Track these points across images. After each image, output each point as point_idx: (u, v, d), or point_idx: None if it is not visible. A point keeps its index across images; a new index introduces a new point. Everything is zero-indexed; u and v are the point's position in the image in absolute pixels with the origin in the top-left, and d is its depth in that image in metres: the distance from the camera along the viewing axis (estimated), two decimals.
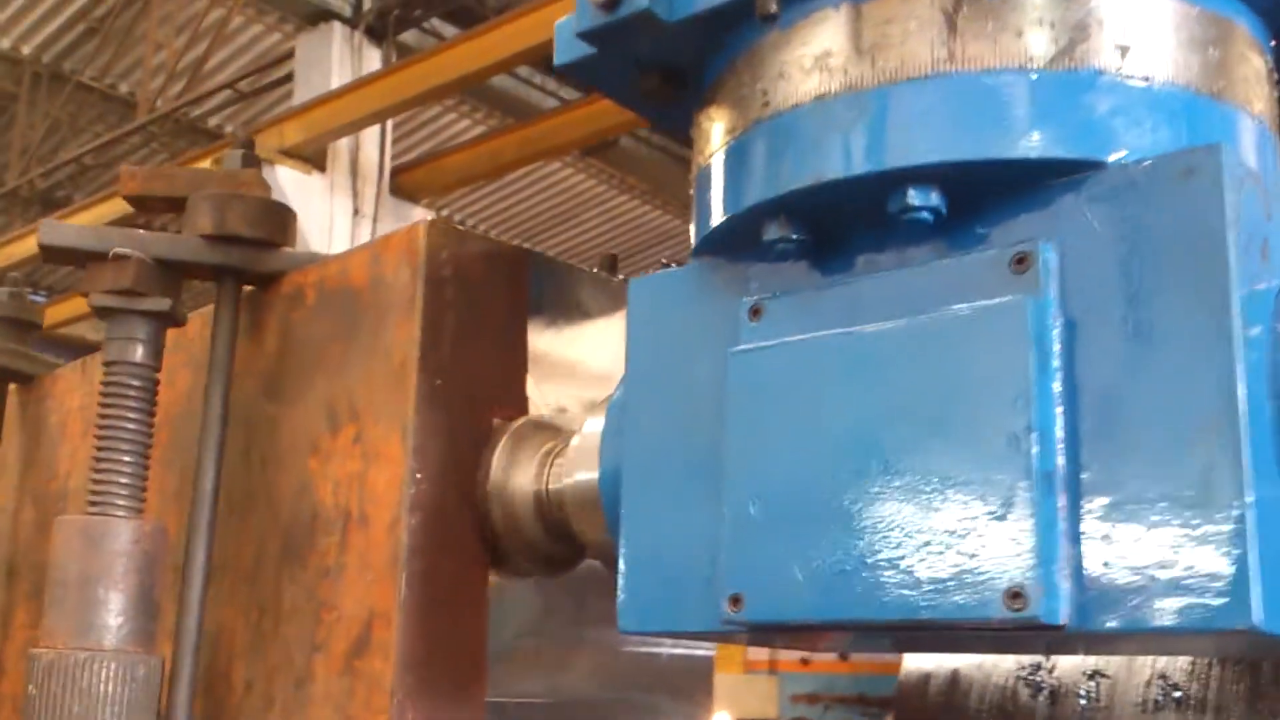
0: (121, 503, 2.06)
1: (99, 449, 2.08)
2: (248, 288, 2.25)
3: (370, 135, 11.76)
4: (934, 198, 1.33)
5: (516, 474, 1.91)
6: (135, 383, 2.12)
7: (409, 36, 12.49)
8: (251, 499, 2.16)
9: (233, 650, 2.11)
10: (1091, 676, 1.73)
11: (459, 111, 14.10)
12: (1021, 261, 1.29)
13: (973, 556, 1.24)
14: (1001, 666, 1.84)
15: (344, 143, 11.57)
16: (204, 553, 2.09)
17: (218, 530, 2.13)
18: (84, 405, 2.71)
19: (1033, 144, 1.31)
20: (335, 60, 11.50)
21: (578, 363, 2.15)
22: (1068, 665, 1.77)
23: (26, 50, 14.30)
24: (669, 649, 2.25)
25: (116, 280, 2.12)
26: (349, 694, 1.85)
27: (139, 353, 2.13)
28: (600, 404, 1.83)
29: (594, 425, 1.81)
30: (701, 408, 1.53)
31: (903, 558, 1.29)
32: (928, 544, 1.28)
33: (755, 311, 1.49)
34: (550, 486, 1.88)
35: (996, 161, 1.31)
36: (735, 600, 1.42)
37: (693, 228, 1.63)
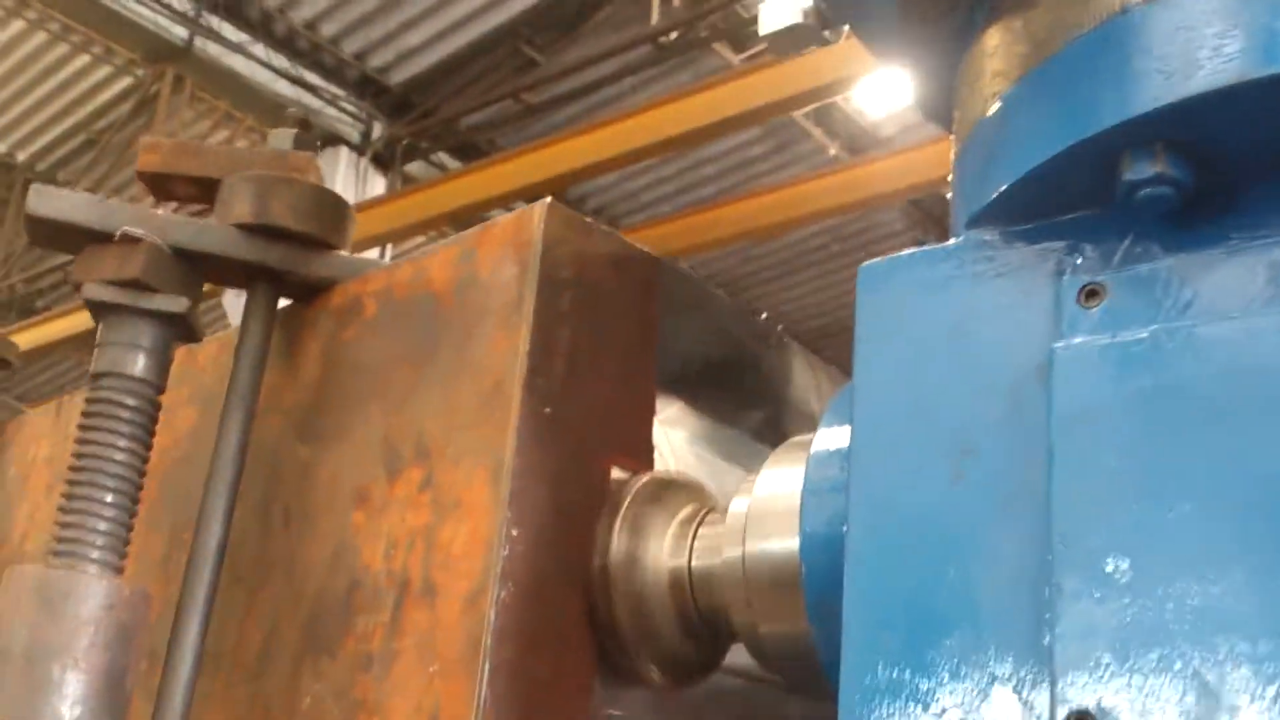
0: (95, 555, 1.54)
1: (73, 481, 1.57)
2: (285, 301, 1.77)
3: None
4: None
5: (647, 544, 1.41)
6: (130, 402, 1.62)
7: (414, 167, 12.28)
8: (266, 569, 1.64)
9: None
10: None
11: None
12: None
13: None
14: None
15: None
16: (196, 633, 1.56)
17: (218, 608, 1.61)
18: (52, 456, 2.20)
19: None
20: (340, 184, 11.22)
21: (702, 411, 1.68)
22: None
23: (21, 157, 14.00)
24: None
25: (121, 268, 1.64)
26: None
27: (139, 364, 1.64)
28: (791, 451, 1.35)
29: (773, 485, 1.33)
30: (990, 436, 1.06)
31: None
32: None
33: (1092, 294, 1.04)
34: (696, 563, 1.38)
35: None
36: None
37: (956, 202, 1.19)
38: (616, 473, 1.46)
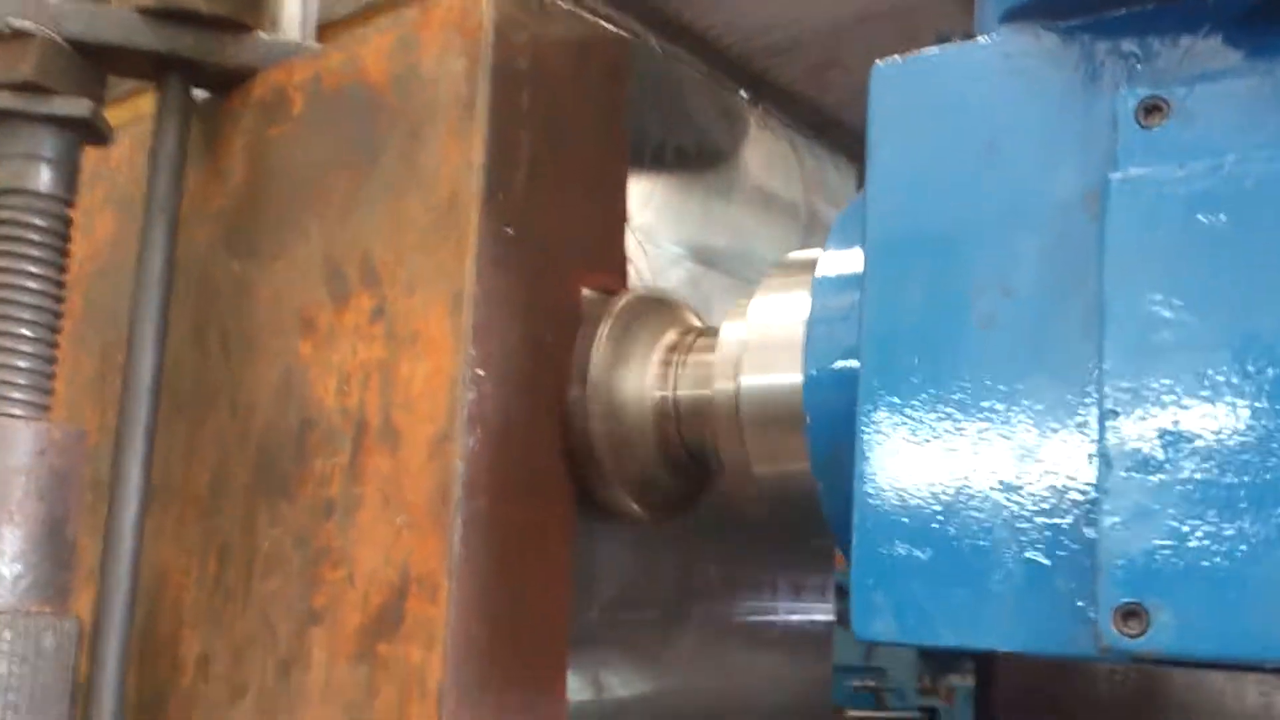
0: (18, 396, 1.40)
1: None
2: (202, 92, 1.57)
3: None
4: None
5: (627, 372, 1.28)
6: (38, 222, 1.44)
7: None
8: (208, 399, 1.50)
9: (180, 610, 1.47)
10: None
11: None
12: None
13: None
14: None
15: None
16: (140, 470, 1.44)
17: (160, 440, 1.48)
18: None
19: None
20: None
21: (686, 214, 1.52)
22: None
23: None
24: (785, 615, 1.66)
25: (11, 69, 1.43)
26: (368, 692, 1.24)
27: (44, 178, 1.45)
28: (789, 273, 1.21)
29: (771, 311, 1.19)
30: (1027, 276, 0.92)
31: None
32: None
33: (1153, 110, 0.88)
34: (683, 393, 1.26)
35: None
36: (1130, 615, 0.82)
37: None
38: (588, 293, 1.32)
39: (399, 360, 1.28)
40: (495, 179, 1.25)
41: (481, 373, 1.22)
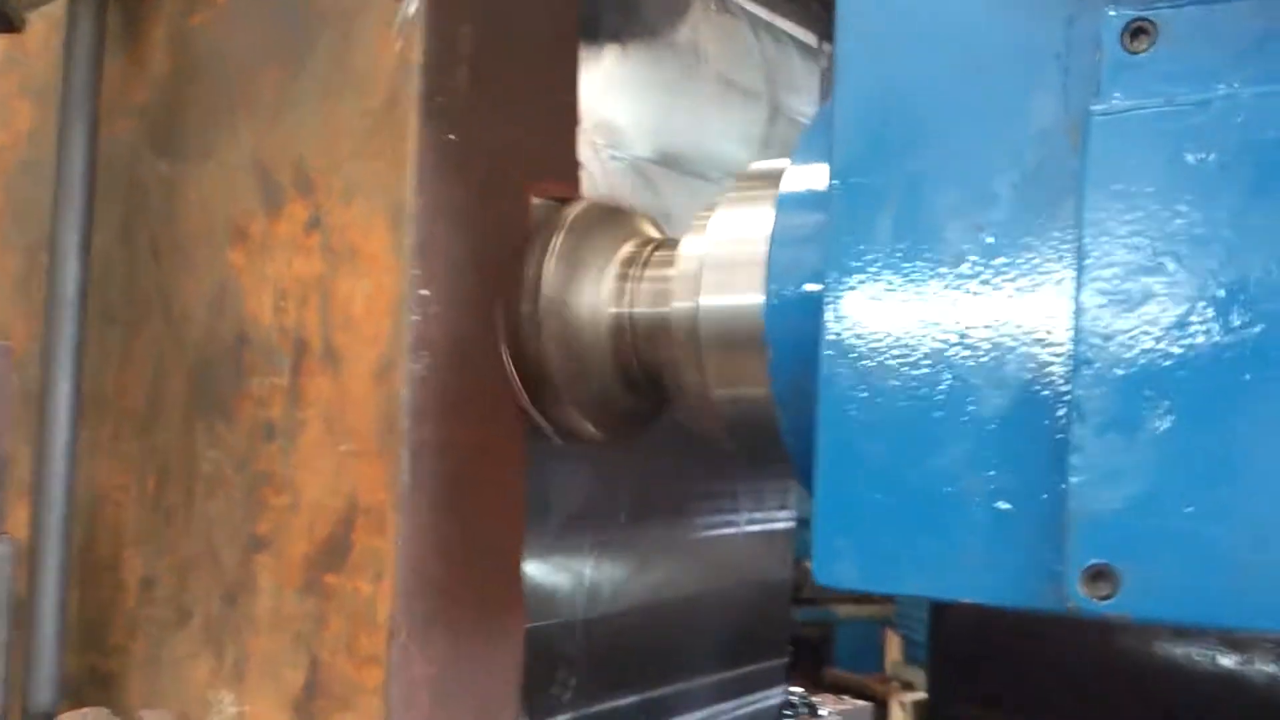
0: None
1: None
2: None
3: None
4: None
5: (581, 288, 1.21)
6: None
7: None
8: (141, 308, 1.42)
9: (121, 530, 1.42)
10: None
11: None
12: None
13: None
14: None
15: None
16: (70, 381, 1.37)
17: (92, 349, 1.41)
18: None
19: None
20: None
21: (642, 111, 1.43)
22: None
23: None
24: (746, 527, 1.62)
25: None
26: (317, 622, 1.19)
27: None
28: (752, 185, 1.13)
29: (732, 227, 1.12)
30: (1003, 210, 0.86)
31: None
32: None
33: (1139, 33, 0.80)
34: (640, 309, 1.19)
35: None
36: (1097, 576, 0.78)
37: None
38: (539, 202, 1.24)
39: (338, 277, 1.20)
40: (435, 80, 1.16)
41: (426, 293, 1.14)
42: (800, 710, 1.71)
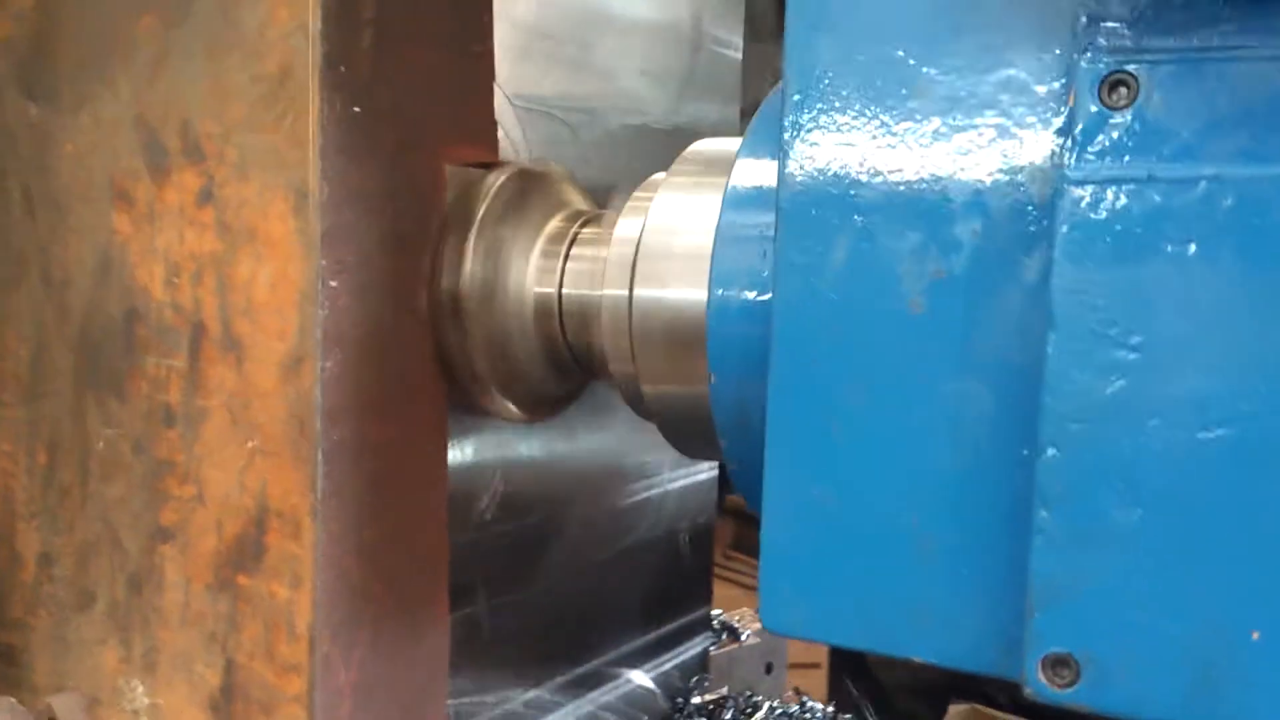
0: None
1: None
2: None
3: None
4: None
5: (507, 264, 1.13)
6: None
7: None
8: (16, 265, 1.31)
9: (12, 502, 1.33)
10: None
11: None
12: None
13: None
14: None
15: None
16: None
17: None
18: None
19: None
20: None
21: (557, 58, 1.32)
22: None
23: None
24: (668, 485, 1.58)
25: None
26: (231, 624, 1.14)
27: None
28: (696, 166, 1.05)
29: (674, 214, 1.04)
30: (964, 259, 0.80)
31: None
32: None
33: (1118, 86, 0.73)
34: (569, 291, 1.12)
35: None
36: (1059, 664, 0.75)
37: None
38: (452, 170, 1.14)
39: (236, 257, 1.10)
40: (336, 47, 1.04)
41: (335, 284, 1.06)
42: (720, 636, 1.72)
